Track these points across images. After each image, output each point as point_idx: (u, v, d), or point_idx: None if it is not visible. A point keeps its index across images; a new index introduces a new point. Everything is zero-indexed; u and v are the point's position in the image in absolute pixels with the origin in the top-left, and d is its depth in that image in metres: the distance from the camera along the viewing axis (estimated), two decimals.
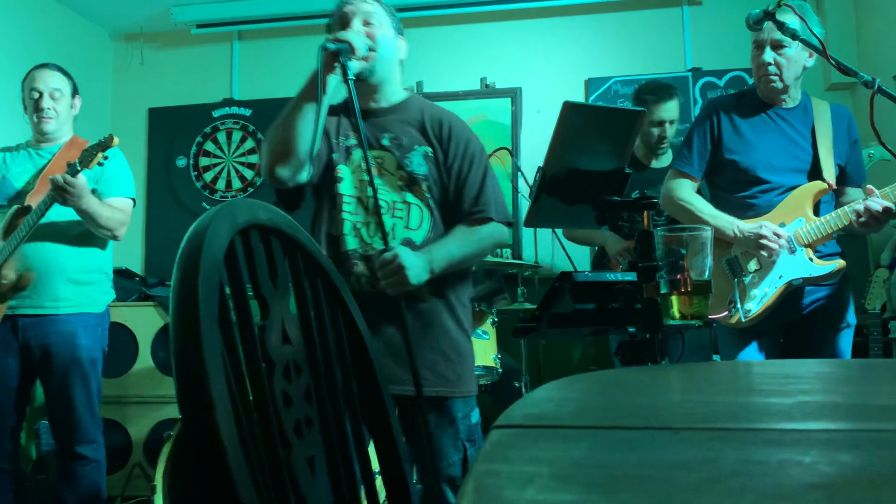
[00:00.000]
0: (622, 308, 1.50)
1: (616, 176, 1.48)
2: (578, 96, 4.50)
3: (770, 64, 2.32)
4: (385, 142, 1.99)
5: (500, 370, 3.08)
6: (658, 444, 0.48)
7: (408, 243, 1.92)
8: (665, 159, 3.26)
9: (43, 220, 2.67)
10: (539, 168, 1.53)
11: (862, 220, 2.16)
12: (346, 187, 1.96)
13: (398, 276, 1.80)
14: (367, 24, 1.96)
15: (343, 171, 1.97)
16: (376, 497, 0.98)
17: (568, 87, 4.49)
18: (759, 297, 2.30)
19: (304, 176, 1.93)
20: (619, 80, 4.43)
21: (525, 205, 3.11)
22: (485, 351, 3.03)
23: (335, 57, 1.79)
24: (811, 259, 2.28)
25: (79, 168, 2.61)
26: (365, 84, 1.96)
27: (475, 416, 2.01)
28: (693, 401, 0.72)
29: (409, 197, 1.97)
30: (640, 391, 0.79)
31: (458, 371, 1.97)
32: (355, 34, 1.86)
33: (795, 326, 2.38)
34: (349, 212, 1.95)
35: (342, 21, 1.97)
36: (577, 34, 4.59)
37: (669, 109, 3.14)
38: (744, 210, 2.36)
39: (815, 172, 2.34)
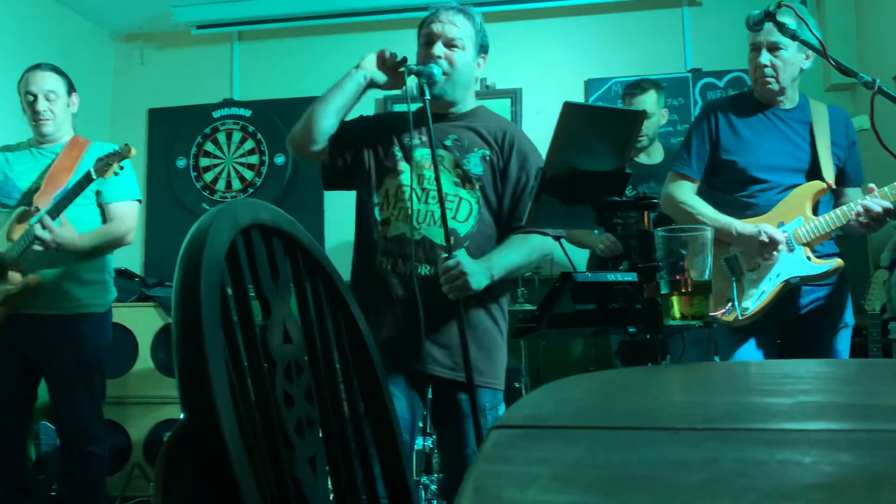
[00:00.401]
0: (622, 308, 1.50)
1: (616, 176, 1.48)
2: (578, 97, 4.50)
3: (766, 66, 2.33)
4: (447, 142, 2.12)
5: None
6: (658, 444, 0.48)
7: (452, 233, 2.02)
8: (655, 155, 3.32)
9: None
10: (539, 168, 1.53)
11: (861, 219, 2.16)
12: (405, 178, 2.10)
13: (460, 281, 1.91)
14: (449, 46, 2.09)
15: (403, 166, 2.11)
16: (377, 496, 0.98)
17: (568, 87, 4.49)
18: (757, 296, 2.31)
19: (322, 140, 2.12)
20: (618, 81, 4.43)
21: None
22: None
23: (415, 75, 2.00)
24: (809, 258, 2.29)
25: (94, 177, 2.65)
26: (437, 99, 2.10)
27: (502, 410, 2.08)
28: (693, 401, 0.72)
29: (463, 192, 2.09)
30: (640, 392, 0.79)
31: (490, 363, 2.08)
32: (435, 68, 2.03)
33: (793, 326, 2.39)
34: (405, 199, 2.08)
35: (427, 37, 2.12)
36: (577, 35, 4.59)
37: (642, 103, 3.29)
38: (743, 210, 2.36)
39: (813, 172, 2.35)
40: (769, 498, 0.34)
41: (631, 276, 1.44)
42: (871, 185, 2.19)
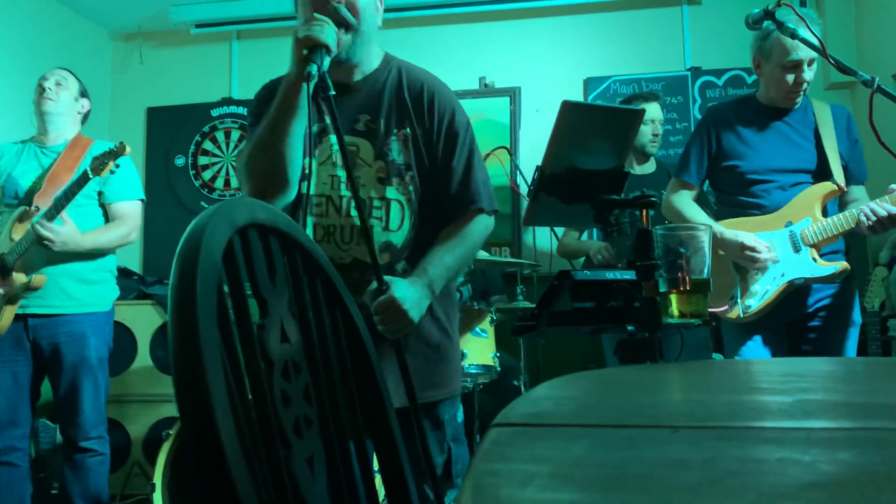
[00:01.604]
0: (621, 307, 1.50)
1: (614, 175, 1.48)
2: (577, 95, 4.49)
3: (807, 82, 2.33)
4: (360, 126, 1.71)
5: (499, 369, 3.08)
6: (658, 442, 0.48)
7: (388, 248, 1.70)
8: (648, 165, 3.36)
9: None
10: (537, 167, 1.53)
11: (870, 223, 2.17)
12: (313, 186, 1.68)
13: (400, 321, 1.57)
14: None
15: (308, 165, 1.63)
16: (375, 496, 0.98)
17: (567, 86, 4.49)
18: (760, 294, 2.32)
19: (292, 196, 1.67)
20: (617, 80, 4.43)
21: (524, 204, 3.11)
22: (483, 349, 3.03)
23: (312, 53, 1.54)
24: (815, 259, 2.29)
25: (90, 176, 2.66)
26: (342, 64, 1.69)
27: (460, 415, 1.87)
28: (693, 399, 0.72)
29: (390, 192, 1.70)
30: (639, 390, 0.78)
31: (444, 373, 1.79)
32: (329, 32, 1.55)
33: (801, 325, 2.40)
34: (318, 214, 1.70)
35: None
36: (576, 33, 4.59)
37: (656, 109, 3.35)
38: (749, 211, 2.38)
39: (820, 174, 2.35)
40: (769, 496, 0.34)
41: (630, 275, 1.44)
42: (894, 186, 2.18)
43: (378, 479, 1.09)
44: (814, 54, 2.25)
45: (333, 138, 1.66)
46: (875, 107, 1.98)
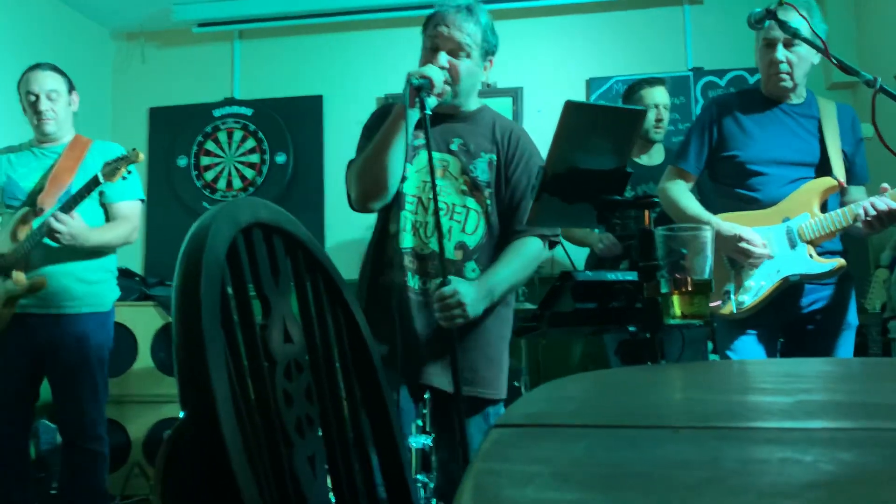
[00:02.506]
0: (623, 307, 1.50)
1: (617, 175, 1.48)
2: (579, 96, 4.49)
3: (783, 62, 2.28)
4: (453, 146, 2.07)
5: None
6: (658, 442, 0.48)
7: (462, 247, 2.02)
8: (656, 156, 3.30)
9: None
10: (540, 167, 1.53)
11: (867, 219, 2.12)
12: (410, 187, 2.04)
13: (457, 311, 1.86)
14: (454, 54, 2.01)
15: (408, 169, 2.04)
16: (376, 495, 0.98)
17: (569, 86, 4.49)
18: (755, 291, 2.27)
19: (389, 199, 2.03)
20: (620, 80, 4.42)
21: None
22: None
23: (417, 91, 1.87)
24: (811, 256, 2.24)
25: (101, 181, 2.67)
26: (445, 105, 2.05)
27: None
28: (693, 399, 0.72)
29: (470, 202, 2.04)
30: (640, 390, 0.79)
31: (495, 374, 2.07)
32: (437, 71, 1.93)
33: (796, 326, 2.36)
34: (410, 210, 2.04)
35: (432, 40, 2.03)
36: (578, 34, 4.59)
37: (661, 93, 3.29)
38: (746, 204, 2.33)
39: (822, 169, 2.31)
40: (769, 496, 0.34)
41: (631, 275, 1.44)
42: (885, 185, 2.15)
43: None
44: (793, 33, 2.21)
45: (425, 154, 2.02)
46: (877, 107, 1.98)
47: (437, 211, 1.88)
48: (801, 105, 2.38)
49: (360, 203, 2.03)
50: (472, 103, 2.16)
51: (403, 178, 2.04)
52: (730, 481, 0.37)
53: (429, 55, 2.04)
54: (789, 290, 2.28)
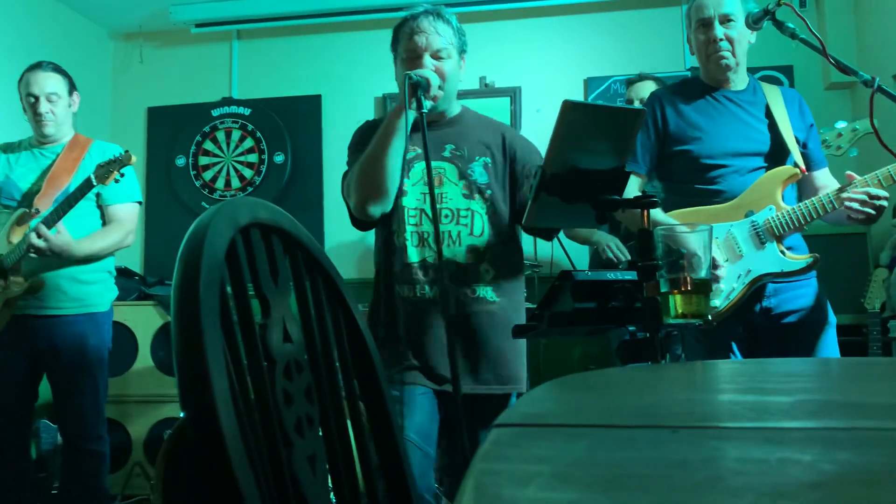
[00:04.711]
0: (622, 307, 1.50)
1: (616, 175, 1.48)
2: (578, 95, 4.50)
3: (721, 39, 2.18)
4: (446, 153, 2.07)
5: None
6: (658, 442, 0.48)
7: (473, 250, 2.02)
8: None
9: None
10: (538, 167, 1.53)
11: (861, 217, 2.02)
12: (409, 200, 2.04)
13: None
14: (436, 57, 2.01)
15: (405, 184, 2.03)
16: (376, 495, 0.98)
17: (567, 86, 4.49)
18: (725, 294, 2.12)
19: (389, 206, 2.00)
20: (618, 80, 4.43)
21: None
22: None
23: (415, 90, 1.86)
24: (783, 252, 2.12)
25: (94, 183, 2.66)
26: (431, 112, 2.04)
27: None
28: (693, 399, 0.72)
29: (473, 205, 2.05)
30: (639, 390, 0.79)
31: (518, 368, 2.08)
32: (433, 73, 1.93)
33: (771, 330, 2.19)
34: (413, 224, 2.03)
35: (411, 51, 2.01)
36: (577, 33, 4.59)
37: (642, 89, 3.37)
38: (709, 198, 2.20)
39: (776, 156, 2.20)
40: (768, 496, 0.34)
41: (631, 275, 1.44)
42: (850, 173, 2.06)
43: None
44: (728, 10, 2.15)
45: (421, 165, 2.03)
46: (875, 107, 1.98)
47: (436, 218, 1.84)
48: (745, 91, 2.27)
49: (360, 209, 1.99)
50: (455, 106, 2.17)
51: (403, 193, 2.03)
52: (729, 481, 0.38)
53: (409, 65, 2.00)
54: (760, 291, 2.15)
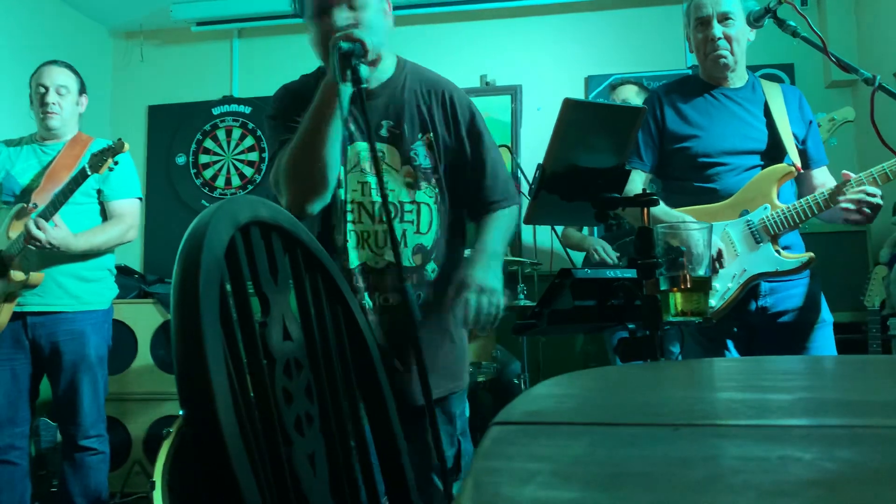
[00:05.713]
0: (622, 305, 1.50)
1: (616, 173, 1.48)
2: (578, 93, 4.49)
3: (720, 38, 2.19)
4: (384, 132, 1.75)
5: (500, 367, 3.09)
6: (659, 440, 0.48)
7: (420, 250, 1.76)
8: None
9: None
10: (539, 165, 1.53)
11: (859, 217, 2.01)
12: (345, 191, 1.72)
13: (493, 308, 1.66)
14: (351, 7, 1.63)
15: (339, 171, 1.69)
16: (376, 493, 0.98)
17: (568, 84, 4.49)
18: (721, 293, 2.09)
19: (329, 198, 1.68)
20: (619, 78, 4.42)
21: (525, 202, 3.13)
22: (484, 347, 3.04)
23: (348, 59, 1.50)
24: (778, 251, 2.10)
25: (89, 173, 2.65)
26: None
27: (466, 410, 1.94)
28: (693, 397, 0.72)
29: (419, 195, 1.75)
30: (640, 387, 0.78)
31: (460, 367, 1.86)
32: (364, 33, 1.56)
33: (766, 330, 2.18)
34: (352, 220, 1.72)
35: (321, 7, 1.64)
36: (577, 31, 4.59)
37: (630, 92, 3.51)
38: (703, 197, 2.19)
39: (772, 154, 2.19)
40: (769, 494, 0.34)
41: (630, 273, 1.44)
42: (846, 172, 2.05)
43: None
44: (726, 8, 2.16)
45: (360, 145, 1.72)
46: (876, 105, 1.98)
47: (388, 213, 1.48)
48: (743, 89, 2.28)
49: (296, 206, 1.63)
50: (387, 63, 1.79)
51: (339, 184, 1.71)
52: (730, 479, 0.37)
53: (320, 20, 1.64)
54: (755, 290, 2.14)
